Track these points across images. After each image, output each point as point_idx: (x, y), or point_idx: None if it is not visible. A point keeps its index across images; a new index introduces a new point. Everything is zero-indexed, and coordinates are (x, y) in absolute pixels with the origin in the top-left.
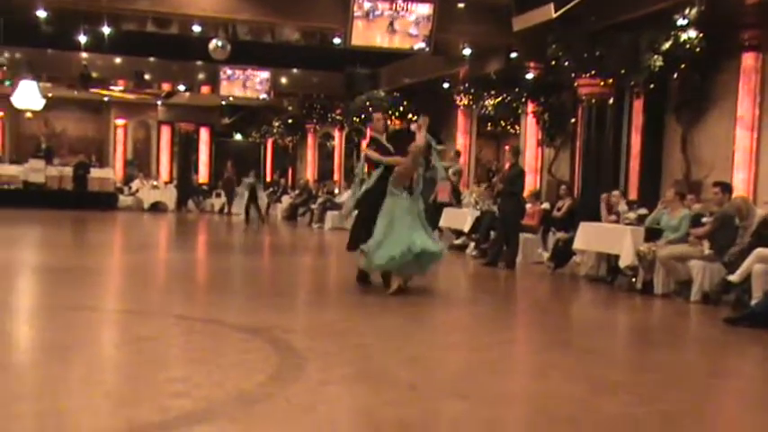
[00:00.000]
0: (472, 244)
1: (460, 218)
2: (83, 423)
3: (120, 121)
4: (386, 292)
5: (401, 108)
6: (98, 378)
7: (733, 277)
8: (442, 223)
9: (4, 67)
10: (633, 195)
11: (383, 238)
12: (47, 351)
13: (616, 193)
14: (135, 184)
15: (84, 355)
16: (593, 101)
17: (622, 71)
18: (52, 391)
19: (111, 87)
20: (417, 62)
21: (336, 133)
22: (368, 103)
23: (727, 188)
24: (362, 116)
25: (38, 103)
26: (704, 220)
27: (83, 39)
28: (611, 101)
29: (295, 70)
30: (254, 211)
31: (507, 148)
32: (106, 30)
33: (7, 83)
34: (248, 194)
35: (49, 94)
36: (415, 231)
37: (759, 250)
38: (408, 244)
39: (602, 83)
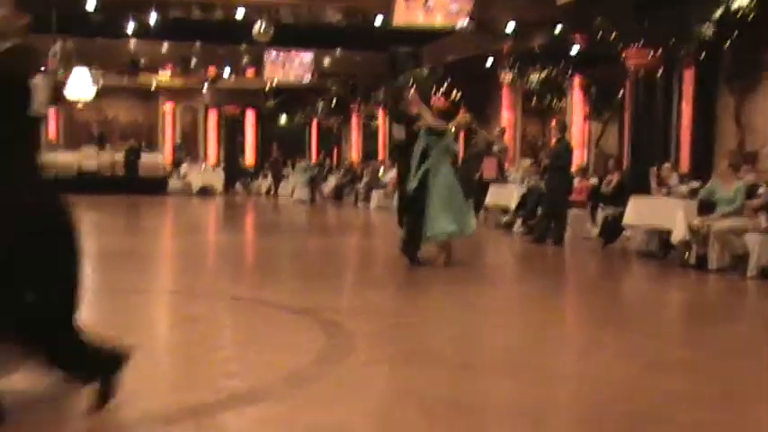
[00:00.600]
0: (519, 221)
1: (507, 194)
2: (138, 405)
3: (167, 107)
4: (436, 264)
5: (445, 85)
6: (152, 360)
7: None
8: (488, 200)
9: (57, 57)
10: (685, 168)
11: (443, 210)
12: (102, 333)
13: (667, 165)
14: (184, 168)
15: (138, 336)
16: (642, 72)
17: (671, 41)
18: None
19: (159, 73)
20: (460, 39)
21: (380, 113)
22: (411, 82)
23: None
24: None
25: (89, 91)
26: (760, 191)
27: (131, 27)
28: (660, 72)
29: (338, 51)
30: (308, 192)
31: (554, 122)
32: (153, 17)
33: (60, 72)
34: (309, 177)
35: (100, 82)
36: (468, 209)
37: None
38: (465, 225)
39: (650, 54)
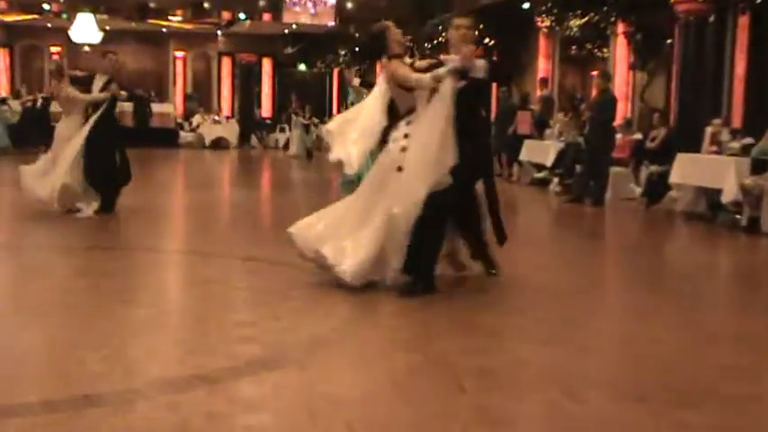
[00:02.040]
0: (556, 179)
1: (543, 151)
2: (150, 370)
3: (179, 53)
4: None
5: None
6: (164, 322)
7: None
8: (522, 156)
9: (61, 0)
10: (737, 123)
11: None
12: (111, 294)
13: (717, 120)
14: (196, 120)
15: (149, 298)
16: (692, 18)
17: None
18: (118, 335)
19: (170, 18)
20: None
21: (407, 60)
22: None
23: None
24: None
25: (95, 36)
26: None
27: None
28: (711, 18)
29: None
30: (303, 147)
31: (596, 72)
32: None
33: (64, 16)
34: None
35: (107, 27)
36: None
37: None
38: None
39: None
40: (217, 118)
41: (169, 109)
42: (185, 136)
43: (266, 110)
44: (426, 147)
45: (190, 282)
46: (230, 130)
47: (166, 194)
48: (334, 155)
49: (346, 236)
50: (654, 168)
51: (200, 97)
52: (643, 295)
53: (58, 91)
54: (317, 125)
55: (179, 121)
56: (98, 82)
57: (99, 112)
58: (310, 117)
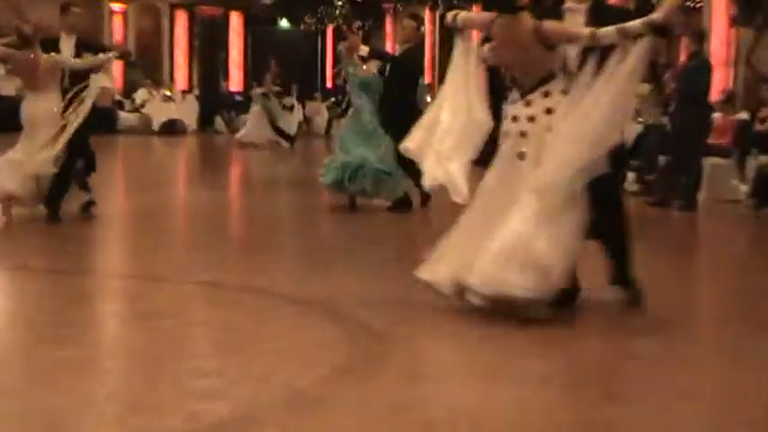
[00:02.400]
0: (632, 174)
1: None
2: (80, 430)
3: (116, 6)
4: None
5: None
6: (99, 368)
7: None
8: None
9: None
10: None
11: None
12: (33, 329)
13: None
14: (140, 96)
15: (81, 335)
16: None
17: None
18: (39, 383)
19: None
20: None
21: (426, 15)
22: None
23: None
24: None
25: None
26: None
27: None
28: None
29: None
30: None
31: (684, 30)
32: None
33: None
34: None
35: None
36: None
37: None
38: None
39: None
40: (169, 93)
41: (105, 82)
42: (126, 118)
43: (235, 82)
44: (583, 120)
45: (134, 315)
46: (187, 110)
47: (103, 198)
48: (431, 179)
49: (474, 251)
50: (764, 159)
51: (147, 65)
52: (750, 333)
53: (35, 60)
54: (303, 102)
55: (118, 97)
56: (66, 44)
57: (97, 83)
58: (275, 86)
